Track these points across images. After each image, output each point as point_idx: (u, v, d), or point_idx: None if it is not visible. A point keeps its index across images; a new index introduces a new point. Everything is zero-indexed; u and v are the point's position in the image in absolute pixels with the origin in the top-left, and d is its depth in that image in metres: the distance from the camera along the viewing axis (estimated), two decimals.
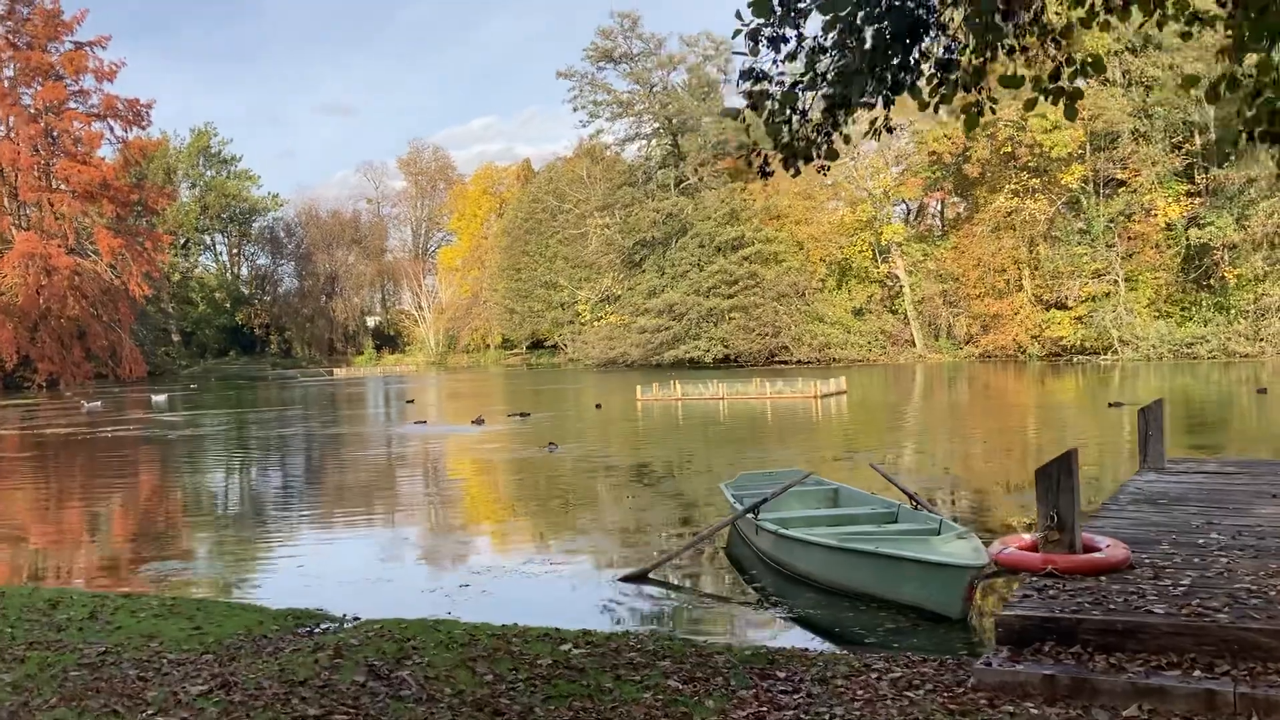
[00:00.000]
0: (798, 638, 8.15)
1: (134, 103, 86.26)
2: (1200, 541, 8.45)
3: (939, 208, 78.62)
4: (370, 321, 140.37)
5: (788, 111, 5.69)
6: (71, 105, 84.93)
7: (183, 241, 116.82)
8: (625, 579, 10.41)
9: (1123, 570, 7.48)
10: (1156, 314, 59.48)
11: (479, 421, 31.54)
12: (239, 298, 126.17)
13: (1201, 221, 55.82)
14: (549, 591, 10.35)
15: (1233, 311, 55.60)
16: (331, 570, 11.60)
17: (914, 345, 72.50)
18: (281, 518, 16.10)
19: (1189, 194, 59.89)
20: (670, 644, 7.70)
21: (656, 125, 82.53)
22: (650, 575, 10.46)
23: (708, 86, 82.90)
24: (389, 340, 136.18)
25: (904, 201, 75.89)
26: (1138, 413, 12.71)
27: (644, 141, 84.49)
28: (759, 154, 5.94)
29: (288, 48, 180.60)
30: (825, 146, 5.81)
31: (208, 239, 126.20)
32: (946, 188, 72.77)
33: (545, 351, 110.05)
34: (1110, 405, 29.97)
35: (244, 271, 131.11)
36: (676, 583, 10.46)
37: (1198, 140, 59.83)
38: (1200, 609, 6.51)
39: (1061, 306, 62.99)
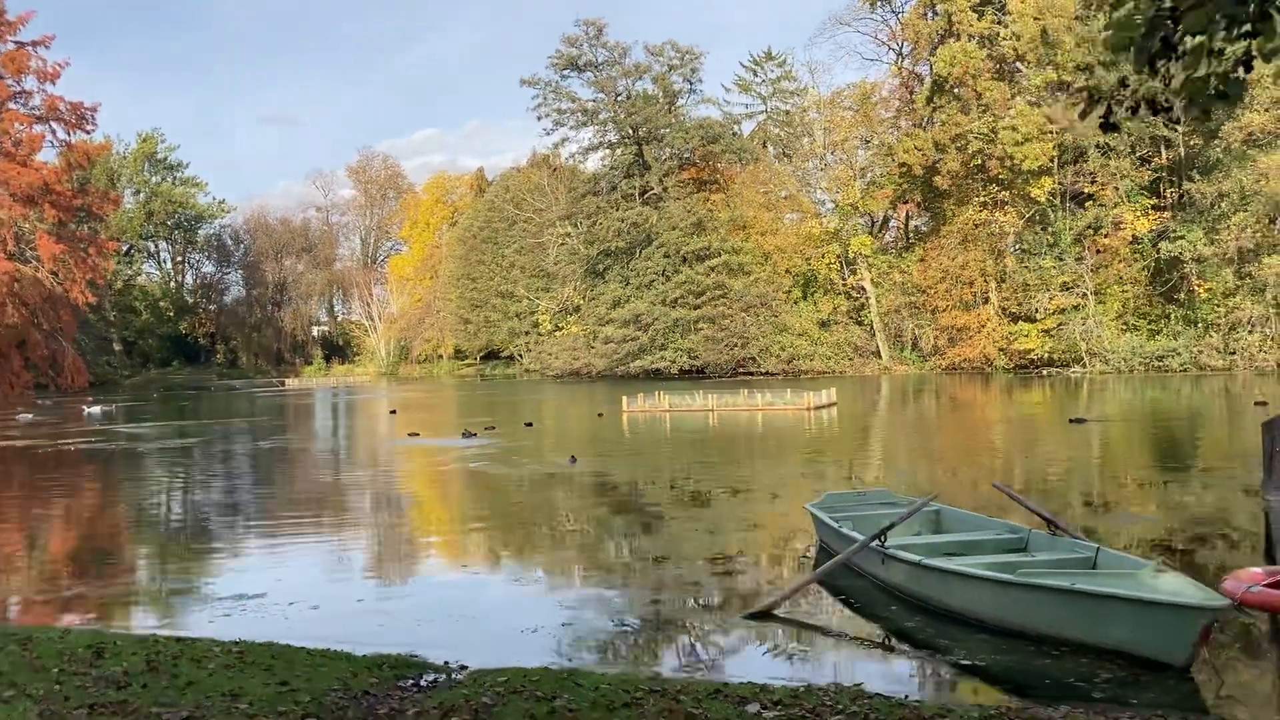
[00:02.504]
0: (999, 692, 7.08)
1: (77, 105, 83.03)
2: None
3: (905, 220, 78.53)
4: (318, 331, 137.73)
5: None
6: (12, 106, 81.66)
7: (126, 249, 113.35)
8: (751, 615, 9.27)
9: None
10: (1124, 327, 59.65)
11: (471, 434, 30.23)
12: (183, 306, 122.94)
13: (1172, 235, 56.05)
14: (661, 630, 9.16)
15: (1201, 325, 55.85)
16: (399, 605, 10.30)
17: (879, 357, 72.19)
18: (336, 544, 14.70)
19: (1156, 208, 60.24)
20: (872, 703, 6.58)
21: (621, 134, 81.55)
22: (775, 611, 9.33)
23: (673, 96, 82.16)
24: (338, 350, 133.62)
25: (869, 214, 75.63)
26: (1262, 427, 11.83)
27: (608, 151, 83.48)
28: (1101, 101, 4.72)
29: (230, 57, 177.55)
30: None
31: (151, 246, 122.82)
32: (915, 200, 72.66)
33: (500, 362, 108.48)
34: (1071, 421, 28.75)
35: (188, 280, 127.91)
36: (807, 620, 9.33)
37: (1164, 155, 60.18)
38: None
39: (1029, 319, 62.98)
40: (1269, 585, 6.95)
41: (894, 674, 7.67)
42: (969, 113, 62.92)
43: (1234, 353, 53.45)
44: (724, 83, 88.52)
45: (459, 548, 13.63)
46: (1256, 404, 35.16)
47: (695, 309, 73.64)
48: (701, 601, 10.16)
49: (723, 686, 7.05)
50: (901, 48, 76.30)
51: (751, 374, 71.14)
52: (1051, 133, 61.02)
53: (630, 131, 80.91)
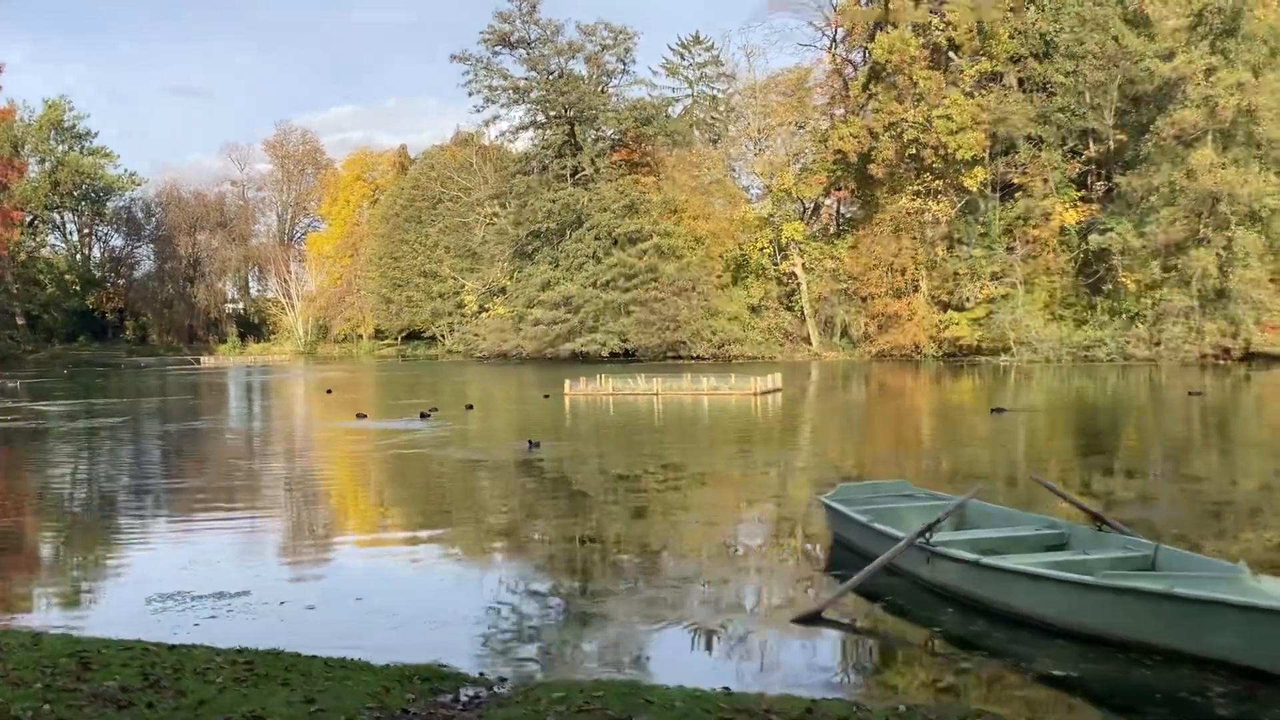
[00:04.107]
0: (1111, 710, 6.54)
1: None
2: None
3: (837, 207, 78.80)
4: (233, 308, 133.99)
5: None
6: None
7: (29, 219, 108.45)
8: (799, 619, 8.61)
9: None
10: (1052, 317, 60.56)
11: (428, 414, 29.14)
12: (90, 280, 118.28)
13: (1101, 227, 56.96)
14: (702, 633, 8.45)
15: (1127, 316, 56.94)
16: (403, 604, 9.41)
17: (810, 343, 72.39)
18: (313, 535, 13.68)
19: (1084, 200, 61.23)
20: None
21: (553, 114, 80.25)
22: (823, 614, 8.70)
23: (607, 76, 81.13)
24: (254, 328, 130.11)
25: (802, 200, 75.67)
26: None
27: (539, 130, 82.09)
28: None
29: (139, 24, 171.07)
30: None
31: (57, 218, 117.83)
32: (848, 187, 72.86)
33: (422, 343, 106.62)
34: (993, 411, 28.58)
35: (96, 253, 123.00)
36: (858, 625, 8.71)
37: (1093, 148, 61.13)
38: None
39: (959, 308, 63.61)
40: None
41: (982, 687, 7.06)
42: (904, 101, 63.15)
43: (1159, 344, 54.54)
44: (651, 66, 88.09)
45: (451, 542, 12.70)
46: (1191, 394, 35.80)
47: (627, 292, 72.92)
48: (739, 602, 9.48)
49: (813, 705, 6.38)
50: (836, 34, 76.36)
51: (682, 358, 70.81)
52: (985, 123, 61.60)
53: (562, 111, 79.65)
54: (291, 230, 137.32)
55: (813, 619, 8.61)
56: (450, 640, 8.42)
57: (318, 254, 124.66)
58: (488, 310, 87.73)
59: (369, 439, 24.69)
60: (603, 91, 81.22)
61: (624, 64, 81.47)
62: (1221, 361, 52.70)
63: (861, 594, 9.14)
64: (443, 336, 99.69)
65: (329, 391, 45.56)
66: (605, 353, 73.31)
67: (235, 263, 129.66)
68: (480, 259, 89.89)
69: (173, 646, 7.79)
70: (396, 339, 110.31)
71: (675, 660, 7.83)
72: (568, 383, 38.90)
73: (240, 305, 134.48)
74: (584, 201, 75.94)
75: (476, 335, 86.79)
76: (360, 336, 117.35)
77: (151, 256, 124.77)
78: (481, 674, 7.40)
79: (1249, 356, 52.92)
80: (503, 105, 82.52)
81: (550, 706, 6.53)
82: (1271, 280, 52.92)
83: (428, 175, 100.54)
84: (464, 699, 6.92)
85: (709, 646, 8.17)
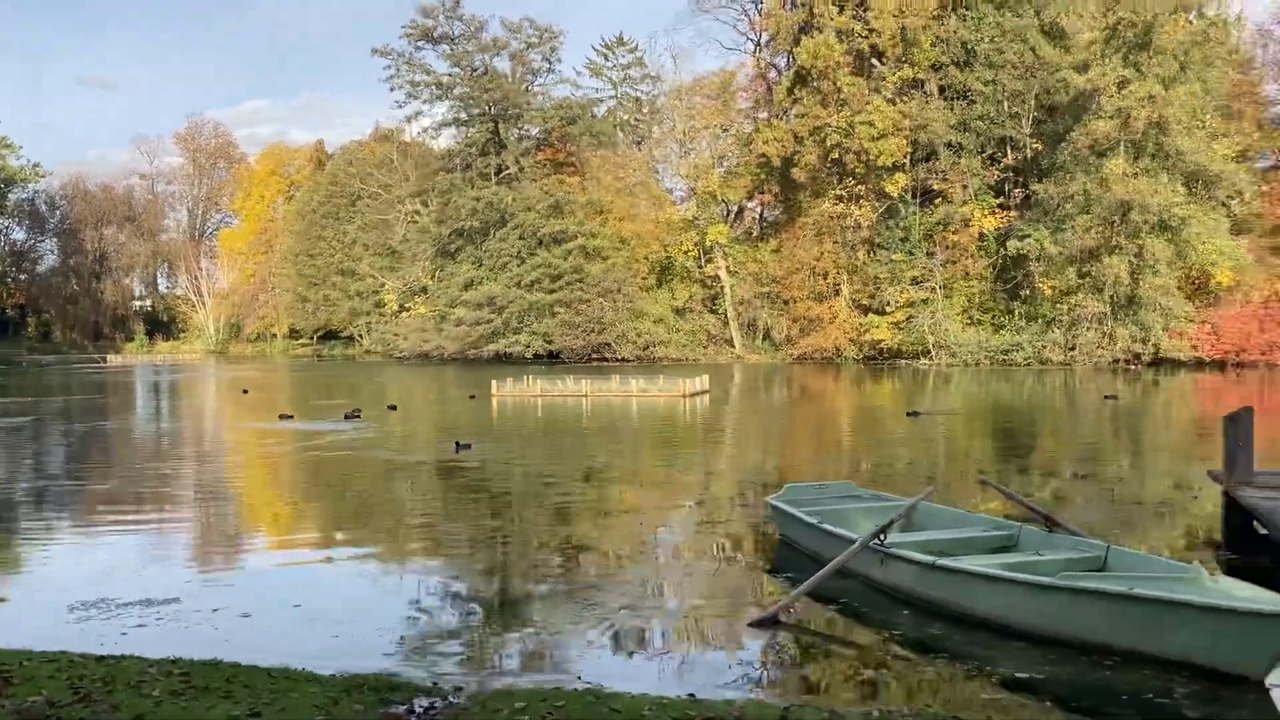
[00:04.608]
0: (1079, 712, 6.48)
1: None
2: None
3: (760, 211, 79.32)
4: (141, 306, 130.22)
5: None
6: None
7: None
8: (755, 624, 8.45)
9: None
10: (970, 321, 61.65)
11: (354, 415, 28.46)
12: None
13: (1019, 234, 58.17)
14: (658, 638, 8.24)
15: (1043, 321, 58.20)
16: (344, 611, 9.01)
17: (733, 346, 72.73)
18: (241, 539, 13.13)
19: (1002, 207, 62.47)
20: None
21: (477, 111, 79.44)
22: (780, 617, 8.56)
23: (532, 74, 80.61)
24: (163, 326, 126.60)
25: (726, 203, 76.02)
26: (1224, 421, 11.70)
27: (463, 127, 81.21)
28: None
29: (44, 13, 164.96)
30: None
31: None
32: (772, 191, 73.35)
33: (339, 342, 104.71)
34: (909, 414, 28.85)
35: None
36: (815, 629, 8.58)
37: (1011, 156, 62.42)
38: None
39: (880, 311, 64.40)
40: None
41: (949, 691, 6.96)
42: (828, 106, 63.78)
43: (1074, 349, 55.86)
44: (575, 66, 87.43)
45: (387, 547, 12.28)
46: (1106, 398, 36.69)
47: (552, 293, 72.47)
48: (691, 607, 9.28)
49: (786, 712, 6.21)
50: (760, 38, 76.85)
51: (606, 360, 70.62)
52: (906, 129, 62.51)
53: (486, 108, 78.92)
54: (203, 226, 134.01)
55: (769, 623, 8.46)
56: (396, 648, 8.09)
57: (230, 250, 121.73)
58: (408, 310, 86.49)
59: (293, 440, 24.00)
60: (527, 90, 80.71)
61: (549, 63, 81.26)
62: (1132, 366, 54.17)
63: (815, 597, 9.02)
64: (360, 336, 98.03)
65: (245, 392, 44.40)
66: (529, 354, 72.82)
67: (144, 258, 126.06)
68: (401, 257, 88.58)
69: (101, 658, 7.34)
70: (312, 338, 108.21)
71: (633, 667, 7.60)
72: (495, 384, 38.42)
73: (149, 302, 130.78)
74: (508, 200, 75.31)
75: (396, 335, 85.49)
76: (274, 336, 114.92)
77: (55, 251, 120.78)
78: (435, 683, 7.10)
79: (1158, 362, 54.51)
80: (425, 101, 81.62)
81: (512, 717, 6.26)
82: (1179, 288, 54.54)
83: (346, 171, 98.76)
84: (418, 709, 6.61)
85: (667, 652, 7.95)
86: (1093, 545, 9.22)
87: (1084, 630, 7.50)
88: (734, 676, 7.42)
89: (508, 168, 78.65)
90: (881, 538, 9.31)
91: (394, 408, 33.27)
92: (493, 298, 73.83)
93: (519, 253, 74.54)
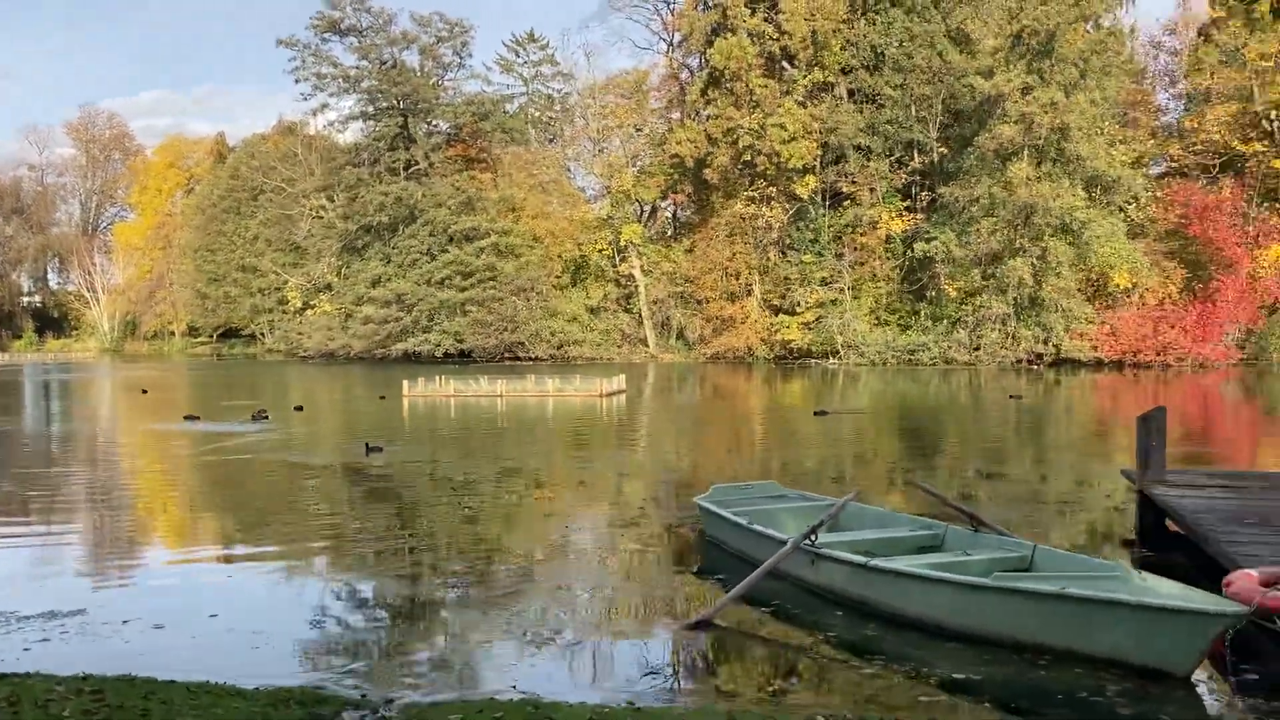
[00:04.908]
0: (1015, 713, 6.50)
1: None
2: None
3: (674, 211, 79.54)
4: (29, 302, 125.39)
5: None
6: None
7: None
8: (689, 627, 8.33)
9: None
10: (877, 322, 62.67)
11: (261, 416, 27.62)
12: None
13: (926, 236, 59.32)
14: (587, 645, 8.06)
15: (949, 322, 59.46)
16: (262, 621, 8.63)
17: (647, 345, 72.82)
18: (149, 546, 12.54)
19: (909, 210, 63.64)
20: None
21: (385, 105, 78.12)
22: (714, 620, 8.46)
23: (442, 69, 79.57)
24: (53, 323, 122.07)
25: (640, 202, 76.05)
26: (1138, 420, 11.97)
27: (371, 121, 79.80)
28: None
29: None
30: None
31: None
32: (685, 191, 73.59)
33: (239, 341, 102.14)
34: (816, 413, 29.10)
35: None
36: (749, 631, 8.49)
37: (918, 159, 63.59)
38: None
39: (791, 312, 65.09)
40: (1262, 584, 6.73)
41: (888, 693, 6.91)
42: (741, 108, 64.23)
43: (978, 349, 57.18)
44: (486, 62, 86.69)
45: (302, 553, 11.81)
46: (1011, 397, 37.59)
47: (463, 291, 71.62)
48: (623, 611, 9.11)
49: (730, 718, 6.10)
50: (673, 38, 77.07)
51: (519, 359, 70.11)
52: (816, 132, 63.28)
53: (395, 102, 77.66)
54: (96, 219, 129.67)
55: (703, 626, 8.35)
56: (319, 659, 7.76)
57: (126, 245, 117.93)
58: (313, 307, 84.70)
59: (199, 443, 23.18)
60: (438, 85, 79.67)
61: (460, 58, 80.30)
62: (1034, 366, 55.66)
63: (747, 599, 8.92)
64: (263, 335, 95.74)
65: (144, 392, 42.91)
66: (439, 353, 71.90)
67: (32, 252, 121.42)
68: (305, 254, 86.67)
69: (3, 676, 6.90)
70: (212, 337, 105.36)
71: (566, 675, 7.40)
72: (406, 384, 37.74)
73: (38, 298, 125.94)
74: (418, 196, 74.22)
75: (300, 334, 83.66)
76: (172, 334, 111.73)
77: None
78: (364, 695, 6.82)
79: (1059, 362, 56.11)
80: (331, 94, 80.00)
81: None
82: (1079, 290, 56.18)
83: (248, 165, 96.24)
84: None
85: (601, 659, 7.79)
86: (1019, 545, 9.31)
87: (1017, 630, 7.53)
88: (673, 682, 7.28)
89: (417, 163, 77.53)
90: (812, 538, 9.27)
91: (301, 408, 32.46)
92: (401, 295, 72.71)
93: (429, 250, 73.52)
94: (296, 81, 79.53)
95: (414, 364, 66.93)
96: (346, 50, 78.54)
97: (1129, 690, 6.72)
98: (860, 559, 8.72)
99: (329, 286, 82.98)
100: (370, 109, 79.46)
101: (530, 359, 69.63)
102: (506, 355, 71.28)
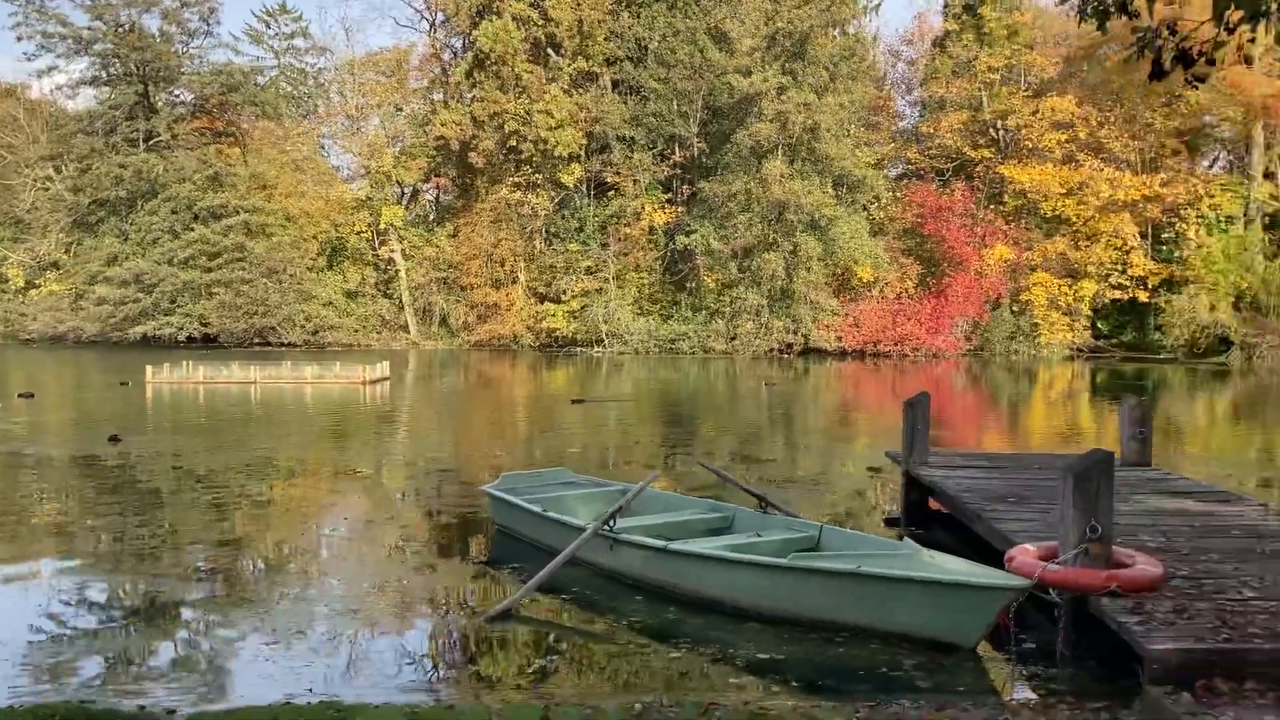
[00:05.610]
0: (821, 691, 6.67)
1: None
2: (1149, 543, 8.29)
3: (438, 194, 77.99)
4: None
5: None
6: None
7: None
8: (491, 619, 8.10)
9: (1161, 585, 6.99)
10: (640, 311, 63.79)
11: None
12: None
13: (686, 229, 60.85)
14: (386, 646, 7.70)
15: (707, 312, 61.31)
16: (15, 635, 7.74)
17: (408, 331, 71.15)
18: None
19: (670, 202, 65.08)
20: (722, 714, 5.87)
21: (122, 70, 72.49)
22: (515, 611, 8.26)
23: (188, 36, 74.66)
24: None
25: (401, 184, 74.07)
26: (904, 405, 12.64)
27: (105, 88, 73.86)
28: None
29: None
30: None
31: None
32: (449, 175, 72.27)
33: None
34: (573, 402, 29.43)
35: None
36: (553, 620, 8.35)
37: (679, 153, 65.04)
38: None
39: (556, 300, 65.28)
40: (1042, 558, 7.19)
41: (698, 677, 6.95)
42: (507, 92, 63.70)
43: (735, 338, 59.26)
44: (234, 31, 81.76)
45: (38, 555, 10.73)
46: (767, 385, 39.19)
47: (209, 271, 67.53)
48: (416, 604, 8.76)
49: (547, 712, 5.94)
50: (436, 18, 75.46)
51: (271, 344, 66.89)
52: (582, 121, 63.63)
53: (134, 69, 72.21)
54: None
55: (504, 617, 8.15)
56: (79, 670, 7.04)
57: None
58: (38, 287, 77.63)
59: None
60: (182, 53, 74.72)
61: (207, 24, 75.62)
62: (785, 355, 58.24)
63: (545, 587, 8.78)
64: None
65: None
66: (183, 337, 67.65)
67: None
68: (29, 228, 79.20)
69: None
70: None
71: (363, 675, 7.02)
72: (150, 369, 35.19)
73: None
74: (160, 170, 69.38)
75: (23, 315, 76.51)
76: None
77: None
78: (142, 707, 6.22)
79: (807, 351, 58.96)
80: (60, 55, 73.48)
81: None
82: (827, 283, 59.17)
83: None
84: None
85: (398, 657, 7.44)
86: (807, 525, 9.62)
87: (814, 608, 7.76)
88: (479, 677, 7.06)
89: (159, 134, 72.45)
90: (611, 523, 9.24)
91: (29, 395, 29.71)
92: (141, 275, 67.81)
93: (172, 227, 68.90)
94: (19, 40, 72.68)
95: (154, 348, 62.71)
96: (78, 8, 72.45)
97: (923, 664, 7.04)
98: (660, 543, 8.77)
99: (56, 264, 76.32)
100: (104, 74, 73.55)
101: (283, 344, 66.58)
102: (257, 340, 67.86)
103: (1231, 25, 4.22)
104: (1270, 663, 5.78)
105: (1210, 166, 65.22)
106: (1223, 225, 57.40)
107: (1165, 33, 4.26)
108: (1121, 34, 50.34)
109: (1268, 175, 58.53)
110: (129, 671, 7.07)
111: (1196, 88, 4.55)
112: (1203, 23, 4.31)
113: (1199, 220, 57.24)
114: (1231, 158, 64.30)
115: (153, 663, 7.29)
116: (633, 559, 9.00)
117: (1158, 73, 4.32)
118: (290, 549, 10.85)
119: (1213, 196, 57.35)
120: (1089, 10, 4.85)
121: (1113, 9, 4.80)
